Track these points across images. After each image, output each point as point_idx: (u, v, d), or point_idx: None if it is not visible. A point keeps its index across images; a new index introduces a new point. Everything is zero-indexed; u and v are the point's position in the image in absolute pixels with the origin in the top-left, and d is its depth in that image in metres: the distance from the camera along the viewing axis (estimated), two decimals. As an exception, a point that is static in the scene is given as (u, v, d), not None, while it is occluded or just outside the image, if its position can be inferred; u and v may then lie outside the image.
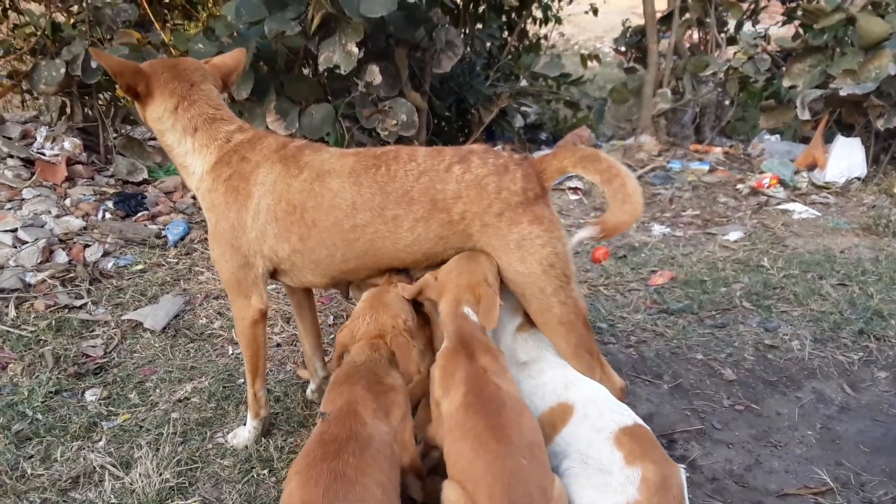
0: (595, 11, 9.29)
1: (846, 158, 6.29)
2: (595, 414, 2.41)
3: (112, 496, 2.60)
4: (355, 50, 5.42)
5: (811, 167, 6.52)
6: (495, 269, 2.53)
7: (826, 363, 3.48)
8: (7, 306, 4.01)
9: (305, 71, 6.54)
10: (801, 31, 7.33)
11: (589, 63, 9.08)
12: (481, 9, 8.20)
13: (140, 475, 2.68)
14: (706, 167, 6.81)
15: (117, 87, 2.69)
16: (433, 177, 2.48)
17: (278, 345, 3.75)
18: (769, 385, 3.33)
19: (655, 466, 2.16)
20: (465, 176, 2.47)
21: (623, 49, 8.98)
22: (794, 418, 3.09)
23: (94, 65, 5.54)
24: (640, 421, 2.39)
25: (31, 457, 2.83)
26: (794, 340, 3.67)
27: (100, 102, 6.16)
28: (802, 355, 3.55)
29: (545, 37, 9.61)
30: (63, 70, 5.58)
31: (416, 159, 2.53)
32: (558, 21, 9.23)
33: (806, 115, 6.25)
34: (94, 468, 2.76)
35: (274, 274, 2.73)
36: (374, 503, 1.95)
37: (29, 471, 2.75)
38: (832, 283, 4.29)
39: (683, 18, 7.79)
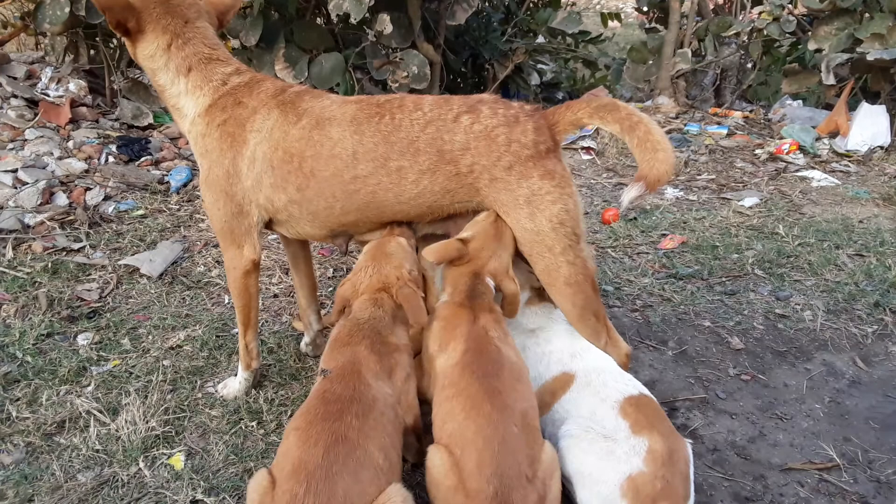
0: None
1: (870, 126, 6.10)
2: (598, 383, 2.33)
3: (97, 442, 2.55)
4: (367, -3, 5.25)
5: (833, 134, 6.33)
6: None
7: (838, 335, 3.37)
8: (4, 247, 3.95)
9: (318, 20, 6.39)
10: (828, -6, 7.09)
11: (609, 23, 8.83)
12: (500, -39, 7.96)
13: (126, 422, 2.62)
14: (724, 131, 6.62)
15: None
16: (440, 127, 2.36)
17: (275, 296, 3.68)
18: (778, 355, 3.23)
19: (663, 438, 2.08)
20: (473, 126, 2.35)
21: (645, 9, 8.73)
22: (801, 391, 2.99)
23: (98, 4, 5.40)
24: (647, 392, 2.32)
25: (18, 399, 2.78)
26: (807, 311, 3.56)
27: (108, 46, 6.02)
28: (814, 326, 3.43)
29: (566, -7, 9.34)
30: (67, 9, 5.43)
31: (422, 108, 2.40)
32: (580, -24, 8.96)
33: (831, 80, 6.04)
34: (81, 413, 2.70)
35: (270, 224, 2.63)
36: (375, 468, 1.87)
37: (14, 414, 2.70)
38: (849, 253, 4.16)
39: (709, -24, 7.53)
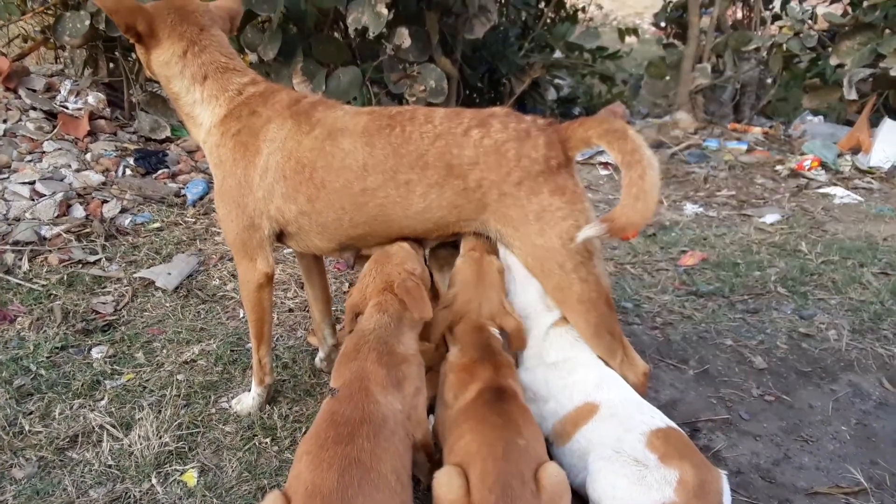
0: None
1: (893, 143, 6.01)
2: (624, 414, 2.28)
3: (109, 457, 2.52)
4: (385, 11, 5.24)
5: (855, 150, 6.25)
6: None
7: (864, 355, 3.29)
8: (20, 259, 3.94)
9: (336, 35, 6.39)
10: (849, 10, 7.02)
11: (626, 38, 8.80)
12: (517, -24, 7.96)
13: (139, 437, 2.59)
14: (744, 147, 6.56)
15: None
16: (450, 140, 2.33)
17: (290, 310, 3.65)
18: (802, 376, 3.16)
19: (694, 470, 2.03)
20: (483, 141, 2.31)
21: (662, 25, 8.71)
22: (827, 412, 2.91)
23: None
24: (674, 424, 2.25)
25: (31, 413, 2.76)
26: (831, 330, 3.48)
27: (127, 60, 6.06)
28: (839, 346, 3.35)
29: (582, 9, 9.32)
30: (88, 22, 5.46)
31: (432, 121, 2.37)
32: (597, -8, 8.95)
33: (853, 95, 5.97)
34: (94, 428, 2.67)
35: (280, 237, 2.60)
36: (389, 490, 1.85)
37: (27, 427, 2.67)
38: (874, 271, 4.07)
39: (728, -9, 7.49)
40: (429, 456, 2.25)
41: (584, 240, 2.24)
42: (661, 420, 2.25)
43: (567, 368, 2.48)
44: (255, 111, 2.47)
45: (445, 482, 1.96)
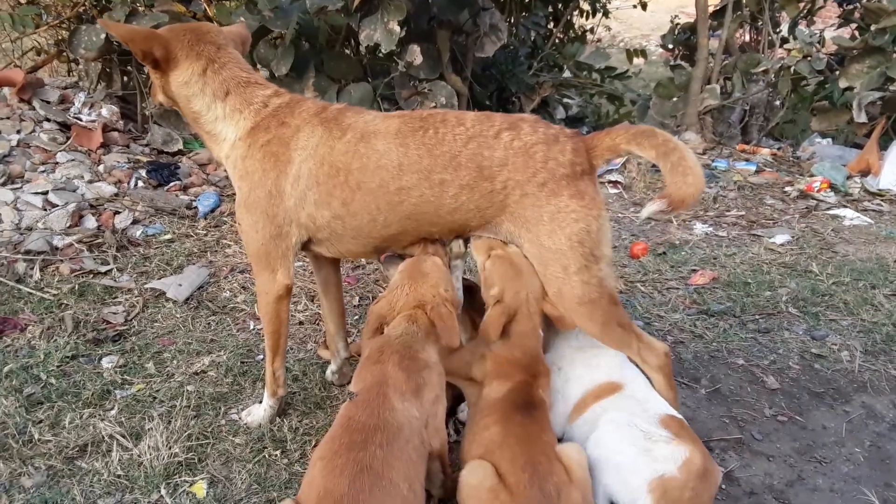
0: (644, 6, 9.03)
1: (902, 166, 6.00)
2: (643, 398, 2.37)
3: (118, 467, 2.51)
4: (397, 29, 5.29)
5: (864, 173, 6.24)
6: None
7: (878, 377, 3.27)
8: (32, 268, 3.95)
9: (347, 51, 6.44)
10: (857, 34, 7.06)
11: (634, 59, 8.85)
12: (527, -3, 8.01)
13: (149, 447, 2.58)
14: (753, 168, 6.55)
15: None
16: (481, 143, 2.37)
17: (301, 323, 3.64)
18: (815, 396, 3.14)
19: (702, 455, 2.11)
20: (513, 143, 2.36)
21: (671, 46, 8.76)
22: (841, 433, 2.89)
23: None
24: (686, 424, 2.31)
25: (41, 422, 2.75)
26: (844, 351, 3.46)
27: (141, 72, 6.11)
28: (852, 367, 3.33)
29: (591, 30, 9.38)
30: (103, 35, 5.54)
31: (464, 123, 2.42)
32: (605, 13, 8.98)
33: (862, 118, 5.98)
34: (103, 437, 2.66)
35: (307, 245, 2.61)
36: (400, 499, 1.86)
37: (37, 436, 2.66)
38: (885, 293, 4.05)
39: (736, 14, 7.52)
40: (443, 466, 2.24)
41: (649, 215, 2.31)
42: (676, 413, 2.33)
43: (592, 353, 2.56)
44: (283, 122, 2.49)
45: (477, 475, 2.02)
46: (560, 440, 2.37)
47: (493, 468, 2.02)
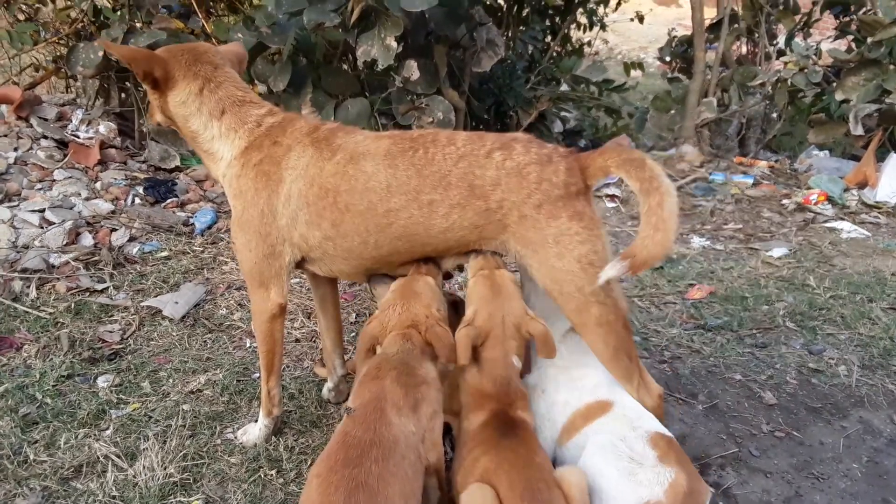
0: (641, 19, 9.09)
1: (899, 178, 6.01)
2: (634, 416, 2.34)
3: (113, 488, 2.50)
4: (394, 44, 5.31)
5: (861, 185, 6.25)
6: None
7: (875, 392, 3.26)
8: (28, 287, 3.95)
9: (345, 67, 6.46)
10: (853, 46, 7.08)
11: (632, 72, 8.88)
12: (524, 11, 8.04)
13: (144, 468, 2.57)
14: (750, 180, 6.57)
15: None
16: (472, 162, 2.36)
17: (297, 340, 3.64)
18: (812, 412, 3.13)
19: (688, 476, 2.08)
20: (505, 163, 2.34)
21: (668, 59, 8.79)
22: (838, 449, 2.88)
23: (131, 49, 5.51)
24: (676, 442, 2.29)
25: (36, 442, 2.75)
26: (841, 365, 3.45)
27: (138, 90, 6.12)
28: (849, 382, 3.33)
29: (588, 43, 9.42)
30: (101, 53, 5.56)
31: (455, 143, 2.41)
32: (603, 27, 9.02)
33: (859, 131, 6.00)
34: (98, 458, 2.66)
35: (301, 263, 2.61)
36: None
37: (32, 456, 2.66)
38: (882, 306, 4.05)
39: (733, 27, 7.56)
40: (440, 482, 2.23)
41: (607, 279, 2.24)
42: (666, 431, 2.30)
43: (579, 373, 2.53)
44: (276, 141, 2.51)
45: (476, 497, 1.98)
46: (553, 464, 2.35)
47: (493, 492, 1.99)
